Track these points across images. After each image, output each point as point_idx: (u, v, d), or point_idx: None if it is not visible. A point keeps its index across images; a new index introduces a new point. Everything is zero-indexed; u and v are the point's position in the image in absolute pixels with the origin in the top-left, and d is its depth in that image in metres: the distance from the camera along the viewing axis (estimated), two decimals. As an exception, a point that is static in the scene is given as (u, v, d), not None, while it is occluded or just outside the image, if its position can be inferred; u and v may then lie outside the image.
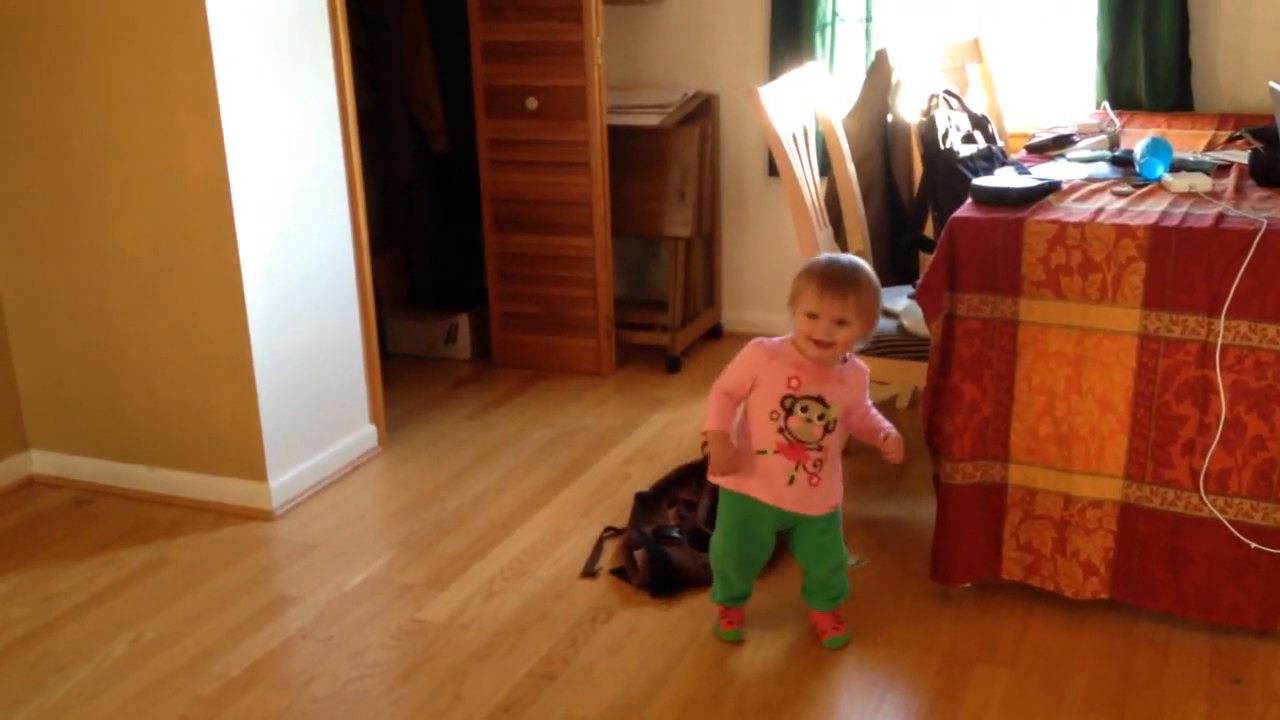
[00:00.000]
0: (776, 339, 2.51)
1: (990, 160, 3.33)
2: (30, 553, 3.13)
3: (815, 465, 2.49)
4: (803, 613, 2.68)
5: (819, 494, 2.52)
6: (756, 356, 2.49)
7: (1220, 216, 2.47)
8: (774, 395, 2.46)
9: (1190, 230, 2.41)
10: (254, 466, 3.27)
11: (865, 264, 2.49)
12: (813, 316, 2.41)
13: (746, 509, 2.54)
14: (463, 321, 4.44)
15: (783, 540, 2.64)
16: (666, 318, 4.35)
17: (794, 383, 2.45)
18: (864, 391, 2.54)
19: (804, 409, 2.45)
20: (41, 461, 3.56)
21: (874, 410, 2.57)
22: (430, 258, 4.66)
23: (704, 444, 3.36)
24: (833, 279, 2.41)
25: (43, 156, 3.26)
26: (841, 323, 2.40)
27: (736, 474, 2.52)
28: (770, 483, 2.50)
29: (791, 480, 2.49)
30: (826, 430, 2.47)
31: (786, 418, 2.45)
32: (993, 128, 3.52)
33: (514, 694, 2.47)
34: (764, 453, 2.49)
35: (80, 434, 3.48)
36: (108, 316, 3.33)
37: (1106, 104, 3.66)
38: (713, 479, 2.57)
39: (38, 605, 2.87)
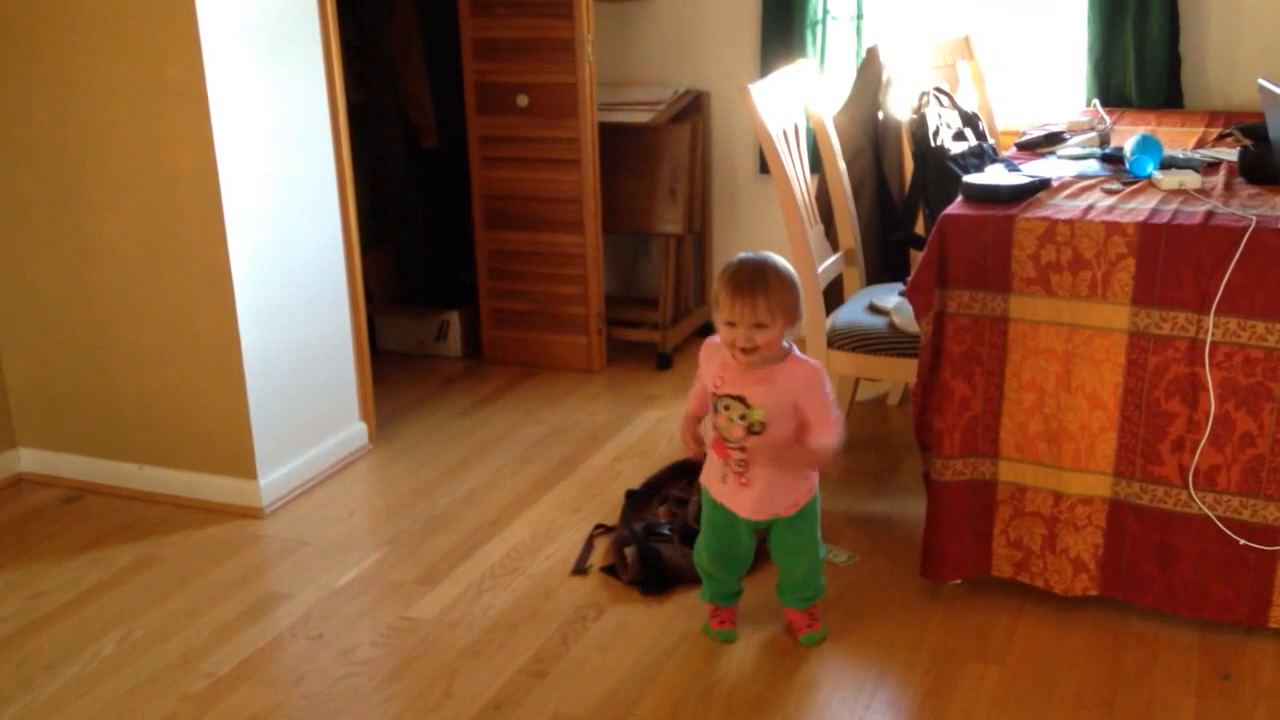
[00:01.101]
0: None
1: (981, 157, 3.33)
2: (19, 550, 3.12)
3: (739, 465, 2.47)
4: (793, 610, 2.68)
5: (749, 497, 2.48)
6: (702, 354, 2.53)
7: (1209, 214, 2.47)
8: (709, 393, 2.49)
9: (1180, 227, 2.41)
10: (244, 464, 3.26)
11: (777, 260, 2.42)
12: (731, 325, 2.38)
13: (719, 512, 2.55)
14: (453, 318, 4.43)
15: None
16: (657, 315, 4.35)
17: (718, 382, 2.45)
18: (810, 392, 2.40)
19: (726, 407, 2.44)
20: (30, 459, 3.55)
21: (826, 422, 2.40)
22: (421, 254, 4.65)
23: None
24: (741, 284, 2.36)
25: (32, 152, 3.25)
26: (759, 326, 2.36)
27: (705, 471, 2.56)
28: (713, 478, 2.54)
29: (724, 478, 2.50)
30: (750, 431, 2.42)
31: (715, 415, 2.48)
32: (983, 125, 3.52)
33: (504, 691, 2.46)
34: (707, 451, 2.54)
35: (69, 431, 3.47)
36: (97, 313, 3.32)
37: (1097, 101, 3.66)
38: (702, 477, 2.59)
39: (26, 603, 2.86)
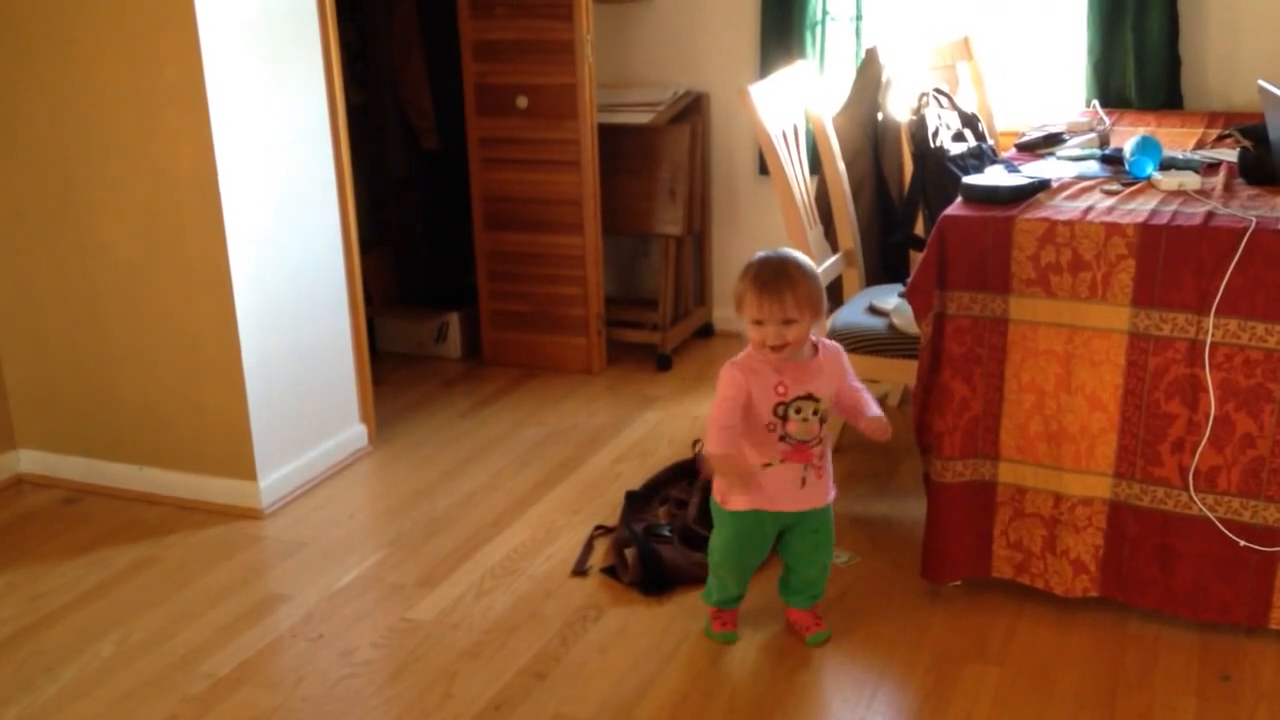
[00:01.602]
0: (742, 356, 2.47)
1: (980, 158, 3.33)
2: (19, 552, 3.12)
3: (820, 459, 2.50)
4: (793, 611, 2.68)
5: (824, 484, 2.54)
6: (739, 378, 2.44)
7: (1209, 215, 2.47)
8: (766, 408, 2.44)
9: (1179, 228, 2.41)
10: (243, 465, 3.26)
11: (798, 255, 2.46)
12: (759, 323, 2.39)
13: (749, 521, 2.52)
14: (453, 320, 4.43)
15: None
16: (657, 316, 4.35)
17: (781, 389, 2.44)
18: (845, 371, 2.53)
19: (798, 410, 2.44)
20: (30, 460, 3.54)
21: (864, 392, 2.54)
22: (420, 256, 4.65)
23: (695, 443, 3.38)
24: (767, 282, 2.38)
25: (30, 154, 3.25)
26: (788, 321, 2.38)
27: (748, 491, 2.49)
28: (783, 491, 2.48)
29: (804, 482, 2.49)
30: (821, 422, 2.48)
31: (784, 425, 2.45)
32: (983, 126, 3.52)
33: (504, 693, 2.46)
34: (770, 465, 2.47)
35: (69, 433, 3.46)
36: (96, 315, 3.32)
37: (1096, 102, 3.66)
38: (730, 505, 2.52)
39: (26, 604, 2.86)
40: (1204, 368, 2.42)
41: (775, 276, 2.39)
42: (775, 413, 2.44)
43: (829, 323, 3.16)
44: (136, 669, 2.59)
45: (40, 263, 3.34)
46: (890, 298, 3.16)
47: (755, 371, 2.45)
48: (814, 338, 2.50)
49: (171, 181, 3.11)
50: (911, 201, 3.48)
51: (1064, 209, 2.56)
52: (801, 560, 2.59)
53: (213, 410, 3.25)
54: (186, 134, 3.05)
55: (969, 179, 2.77)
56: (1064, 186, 2.74)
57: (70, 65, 3.13)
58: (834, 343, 2.56)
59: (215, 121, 3.03)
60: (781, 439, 2.46)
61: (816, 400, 2.46)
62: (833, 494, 2.57)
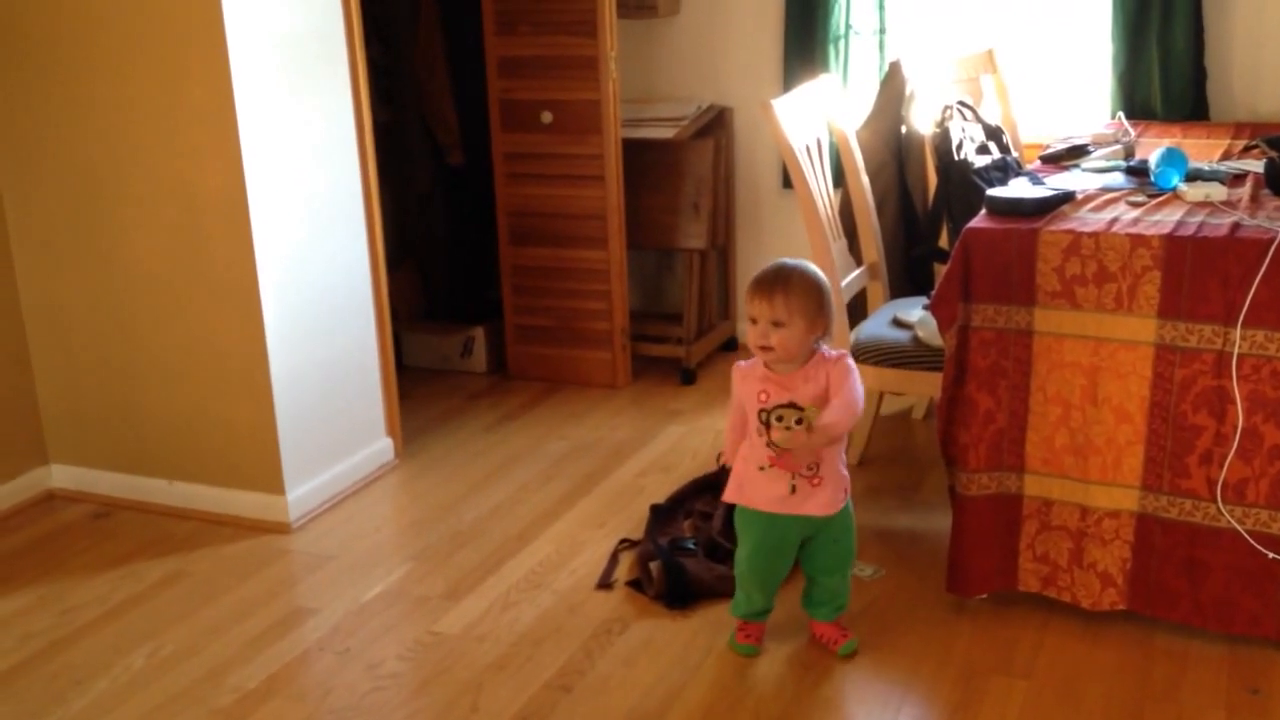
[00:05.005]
0: (748, 360, 2.52)
1: (1005, 171, 3.33)
2: (50, 566, 3.15)
3: (811, 469, 2.48)
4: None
5: (825, 493, 2.50)
6: (733, 380, 2.53)
7: (1236, 226, 2.46)
8: (753, 413, 2.48)
9: (1206, 240, 2.40)
10: (271, 479, 3.28)
11: (809, 266, 2.46)
12: (753, 321, 2.43)
13: (770, 524, 2.53)
14: (479, 334, 4.45)
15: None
16: (681, 330, 4.35)
17: (763, 396, 2.45)
18: (840, 379, 2.41)
19: (779, 418, 2.44)
20: (61, 475, 3.58)
21: (841, 409, 2.39)
22: (446, 271, 4.68)
23: (719, 456, 3.38)
24: (763, 281, 2.42)
25: (60, 172, 3.29)
26: (776, 324, 2.39)
27: (743, 492, 2.54)
28: (774, 494, 2.50)
29: (793, 489, 2.49)
30: (810, 431, 2.43)
31: (768, 431, 2.46)
32: (1007, 138, 3.52)
33: (530, 706, 2.47)
34: (763, 468, 2.49)
35: (99, 448, 3.50)
36: (126, 331, 3.35)
37: (1121, 114, 3.65)
38: (725, 496, 2.60)
39: (57, 618, 2.89)
40: (1231, 379, 2.41)
41: (773, 278, 2.43)
42: (760, 419, 2.46)
43: (853, 335, 3.16)
44: (166, 682, 2.61)
45: (70, 279, 3.38)
46: (915, 310, 3.16)
47: (746, 376, 2.49)
48: (819, 348, 2.47)
49: (200, 198, 3.14)
50: (936, 214, 3.47)
51: (1089, 221, 2.56)
52: (823, 570, 2.59)
53: (241, 425, 3.28)
54: (215, 151, 3.08)
55: (993, 191, 2.77)
56: (1089, 198, 2.74)
57: (99, 83, 3.16)
58: (841, 353, 2.51)
59: (244, 138, 3.06)
60: (768, 445, 2.47)
61: (800, 409, 2.43)
62: (839, 504, 2.53)
